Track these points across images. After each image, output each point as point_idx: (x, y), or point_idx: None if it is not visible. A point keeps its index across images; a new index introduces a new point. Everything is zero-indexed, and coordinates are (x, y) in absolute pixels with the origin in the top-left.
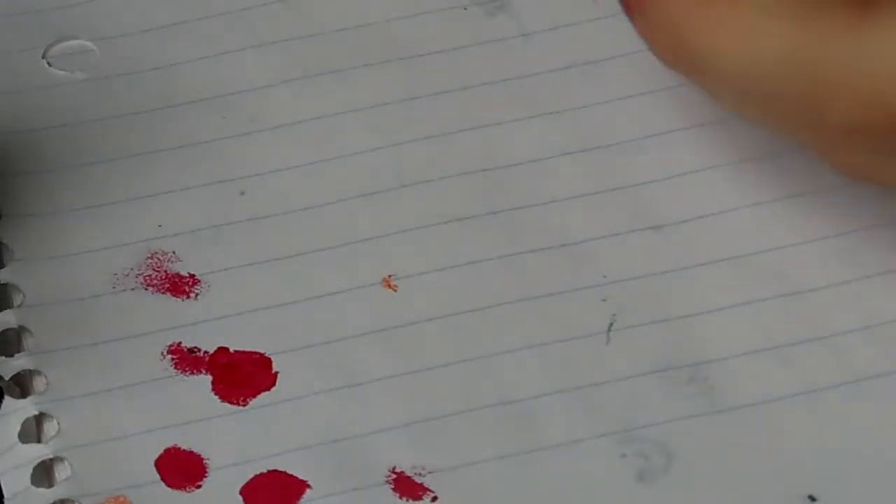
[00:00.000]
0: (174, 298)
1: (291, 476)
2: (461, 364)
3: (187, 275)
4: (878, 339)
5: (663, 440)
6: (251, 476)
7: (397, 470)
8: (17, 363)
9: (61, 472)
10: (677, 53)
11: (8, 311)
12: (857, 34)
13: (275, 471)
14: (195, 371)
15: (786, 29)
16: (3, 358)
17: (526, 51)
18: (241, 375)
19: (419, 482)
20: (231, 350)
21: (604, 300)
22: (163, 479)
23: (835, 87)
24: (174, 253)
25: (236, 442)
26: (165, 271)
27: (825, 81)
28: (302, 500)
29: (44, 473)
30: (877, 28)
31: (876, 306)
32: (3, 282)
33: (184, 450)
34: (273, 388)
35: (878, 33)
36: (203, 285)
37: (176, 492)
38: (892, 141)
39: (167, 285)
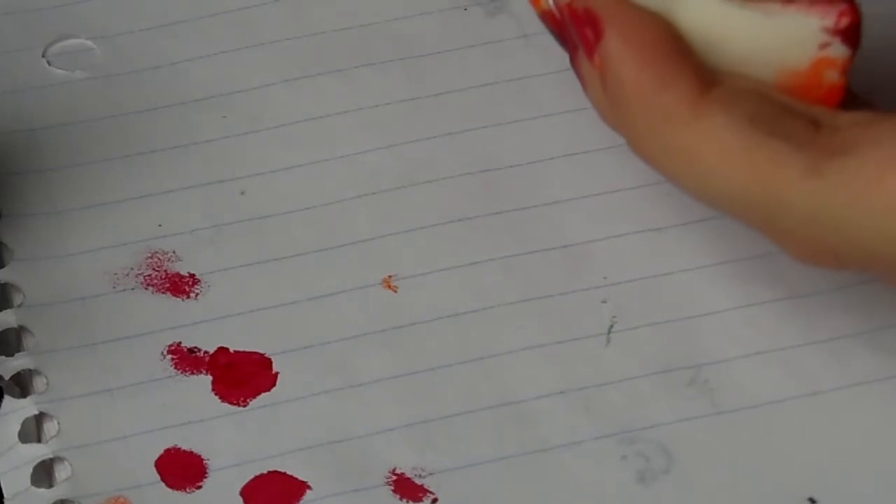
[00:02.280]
0: (174, 298)
1: (292, 477)
2: (461, 365)
3: (187, 275)
4: (877, 342)
5: (664, 441)
6: (251, 477)
7: (398, 471)
8: (17, 363)
9: (61, 472)
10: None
11: (8, 311)
12: (810, 187)
13: (275, 472)
14: (195, 371)
15: (743, 175)
16: (3, 358)
17: (526, 51)
18: (241, 376)
19: (419, 483)
20: (231, 350)
21: (604, 302)
22: (163, 479)
23: (787, 229)
24: (174, 253)
25: (236, 442)
26: (165, 271)
27: (777, 224)
28: (302, 502)
29: (44, 473)
30: (827, 182)
31: (876, 310)
32: (3, 282)
33: (184, 450)
34: (273, 389)
35: (829, 187)
36: (203, 285)
37: (176, 492)
38: (845, 268)
39: (167, 285)
